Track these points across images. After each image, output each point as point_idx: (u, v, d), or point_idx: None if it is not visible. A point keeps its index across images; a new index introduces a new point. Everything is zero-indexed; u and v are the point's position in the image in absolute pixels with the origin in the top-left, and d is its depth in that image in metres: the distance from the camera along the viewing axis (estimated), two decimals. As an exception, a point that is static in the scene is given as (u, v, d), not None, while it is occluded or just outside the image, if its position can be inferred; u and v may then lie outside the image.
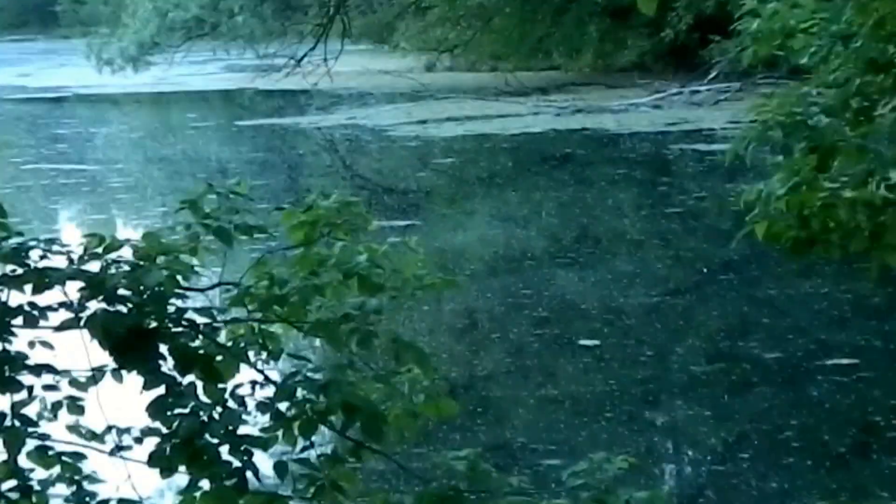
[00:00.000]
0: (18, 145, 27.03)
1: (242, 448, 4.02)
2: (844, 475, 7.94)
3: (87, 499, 4.17)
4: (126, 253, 4.11)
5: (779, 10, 6.66)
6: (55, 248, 4.11)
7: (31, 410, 4.12)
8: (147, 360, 4.03)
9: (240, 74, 37.66)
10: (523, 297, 12.34)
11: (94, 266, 4.08)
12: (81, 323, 4.03)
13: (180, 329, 4.07)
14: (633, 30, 32.74)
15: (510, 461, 8.11)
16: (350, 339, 4.13)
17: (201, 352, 4.08)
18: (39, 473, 4.15)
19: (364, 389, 4.16)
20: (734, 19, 7.00)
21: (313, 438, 4.13)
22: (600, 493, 4.16)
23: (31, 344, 4.12)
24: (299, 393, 4.09)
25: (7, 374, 4.05)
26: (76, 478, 4.16)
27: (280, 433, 4.13)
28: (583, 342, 10.81)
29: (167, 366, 4.05)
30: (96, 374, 4.15)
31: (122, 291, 4.03)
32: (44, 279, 4.05)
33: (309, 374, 4.12)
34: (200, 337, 4.09)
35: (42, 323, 4.06)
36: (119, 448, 4.18)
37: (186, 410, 4.02)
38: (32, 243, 4.10)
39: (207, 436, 4.01)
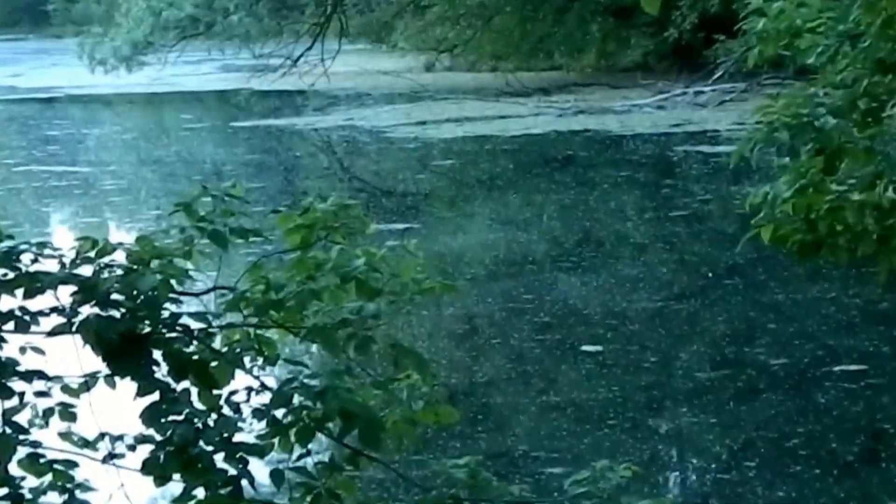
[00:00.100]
0: (9, 147, 26.99)
1: (238, 456, 4.00)
2: (853, 483, 7.87)
3: (80, 507, 4.14)
4: (119, 257, 4.10)
5: (785, 9, 6.63)
6: (47, 251, 4.09)
7: (22, 417, 4.10)
8: (140, 366, 4.02)
9: (235, 74, 37.74)
10: (524, 301, 12.29)
11: (86, 270, 4.07)
12: (74, 328, 4.01)
13: (174, 334, 4.05)
14: (636, 29, 32.74)
15: (511, 469, 8.05)
16: (348, 345, 4.10)
17: (196, 357, 4.06)
18: (31, 481, 4.13)
19: (362, 396, 4.13)
20: (739, 18, 6.97)
21: (310, 446, 4.10)
22: (603, 501, 4.15)
23: (23, 349, 4.10)
24: (296, 399, 4.07)
25: (-2, 380, 4.02)
26: (68, 486, 4.14)
27: (276, 440, 4.11)
28: (585, 348, 10.75)
29: (161, 372, 4.04)
30: (89, 381, 4.13)
31: (115, 296, 4.02)
32: (35, 283, 4.04)
33: (306, 380, 4.09)
34: (195, 342, 4.08)
35: (33, 328, 4.04)
36: (112, 456, 4.16)
37: (181, 417, 4.01)
38: (24, 247, 4.08)
39: (202, 443, 4.00)
